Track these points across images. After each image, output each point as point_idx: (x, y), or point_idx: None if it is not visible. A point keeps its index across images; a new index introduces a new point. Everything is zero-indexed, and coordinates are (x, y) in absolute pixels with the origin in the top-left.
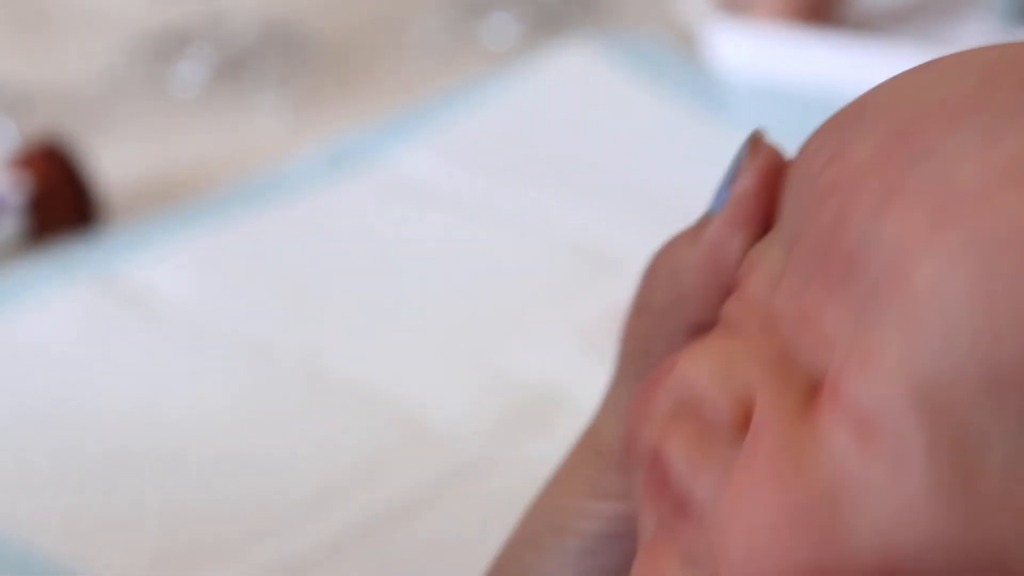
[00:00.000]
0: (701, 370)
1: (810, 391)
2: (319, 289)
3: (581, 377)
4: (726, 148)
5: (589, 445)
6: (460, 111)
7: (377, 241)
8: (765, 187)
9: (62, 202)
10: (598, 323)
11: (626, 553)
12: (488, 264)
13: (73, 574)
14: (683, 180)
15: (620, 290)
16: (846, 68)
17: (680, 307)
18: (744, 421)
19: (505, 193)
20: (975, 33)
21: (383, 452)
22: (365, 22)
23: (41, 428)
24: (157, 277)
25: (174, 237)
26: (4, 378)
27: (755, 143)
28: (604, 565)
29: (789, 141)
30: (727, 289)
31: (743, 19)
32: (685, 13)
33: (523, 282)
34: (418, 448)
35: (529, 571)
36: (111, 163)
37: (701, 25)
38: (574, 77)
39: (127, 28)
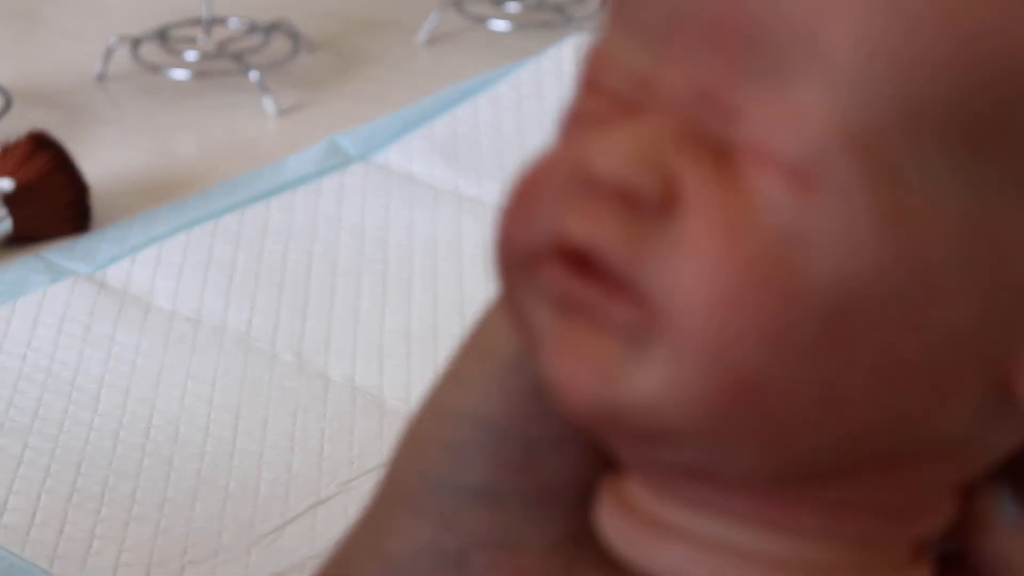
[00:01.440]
0: (610, 155)
1: (725, 160)
2: (315, 286)
3: None
4: None
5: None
6: (458, 109)
7: (372, 238)
8: None
9: (51, 200)
10: None
11: None
12: (486, 261)
13: None
14: None
15: None
16: None
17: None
18: (671, 197)
19: (503, 189)
20: None
21: (378, 450)
22: (361, 18)
23: (30, 429)
24: (148, 275)
25: (165, 236)
26: None
27: None
28: (527, 378)
29: None
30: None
31: None
32: None
33: None
34: None
35: (454, 406)
36: (102, 160)
37: None
38: (572, 72)
39: (119, 24)
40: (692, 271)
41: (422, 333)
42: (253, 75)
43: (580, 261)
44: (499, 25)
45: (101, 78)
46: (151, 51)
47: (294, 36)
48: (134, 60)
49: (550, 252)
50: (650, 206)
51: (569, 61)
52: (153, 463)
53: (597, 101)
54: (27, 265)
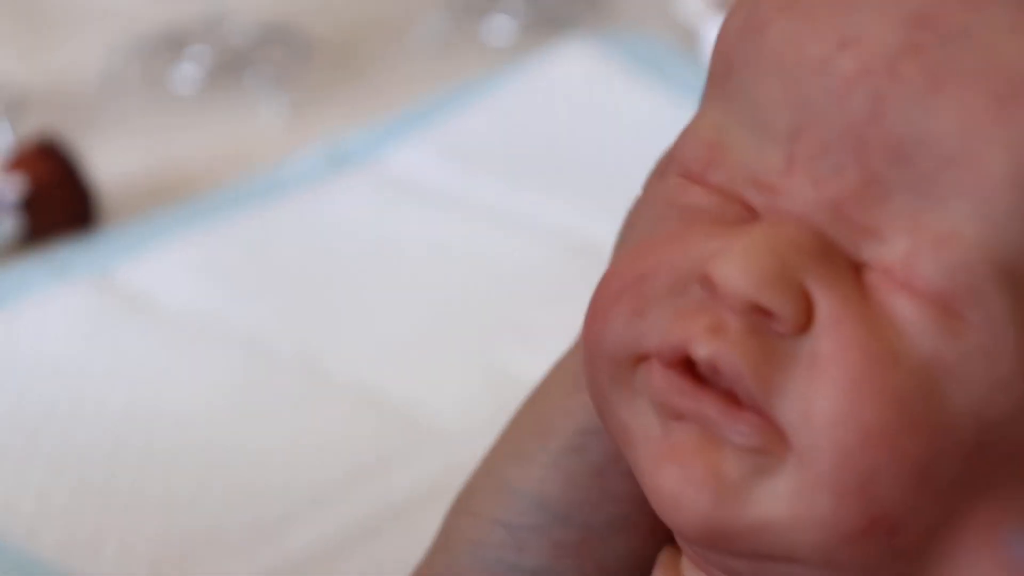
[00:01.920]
0: (741, 270)
1: (857, 278)
2: (317, 288)
3: None
4: None
5: (577, 344)
6: (459, 110)
7: (376, 240)
8: None
9: (59, 202)
10: None
11: (608, 447)
12: (487, 263)
13: (71, 574)
14: None
15: None
16: None
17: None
18: (805, 318)
19: (504, 192)
20: None
21: (381, 450)
22: (364, 21)
23: (38, 428)
24: (154, 277)
25: (171, 237)
26: (1, 378)
27: None
28: (590, 462)
29: None
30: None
31: None
32: (685, 12)
33: (522, 281)
34: (416, 446)
35: (513, 482)
36: (108, 163)
37: (701, 24)
38: (574, 76)
39: (125, 27)
40: (831, 401)
41: (424, 334)
42: (258, 78)
43: (691, 368)
44: (502, 28)
45: (108, 81)
46: (158, 54)
47: (299, 40)
48: (141, 63)
49: (658, 357)
50: (784, 325)
51: (574, 64)
52: (160, 460)
53: (707, 196)
54: (35, 266)
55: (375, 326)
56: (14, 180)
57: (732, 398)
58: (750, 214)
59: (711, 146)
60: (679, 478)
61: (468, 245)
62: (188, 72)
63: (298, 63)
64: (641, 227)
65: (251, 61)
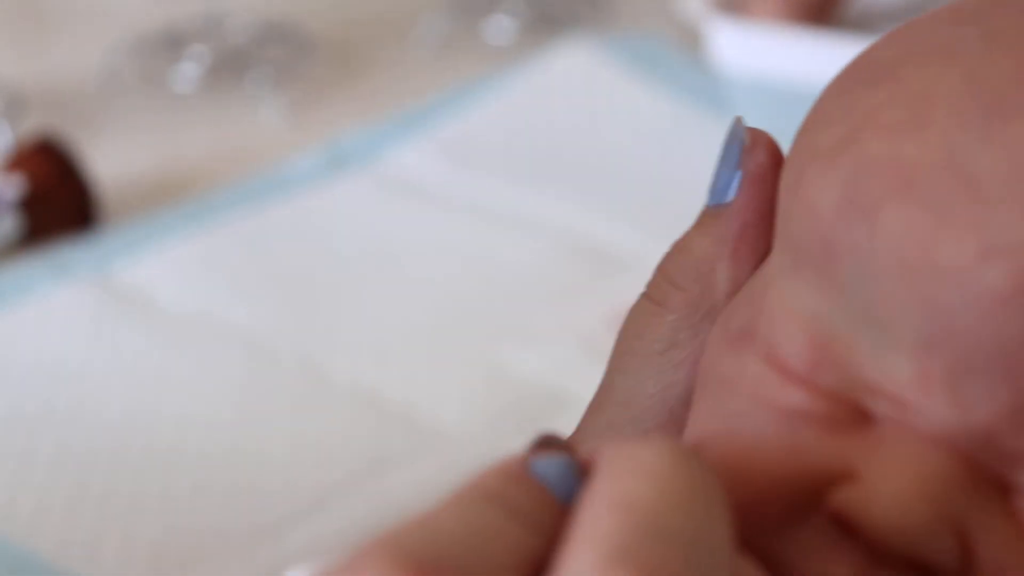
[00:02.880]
0: (893, 512)
1: (1006, 504)
2: (318, 288)
3: (581, 376)
4: None
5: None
6: (460, 110)
7: (377, 240)
8: (781, 163)
9: (59, 201)
10: (599, 322)
11: (702, 337)
12: (488, 263)
13: (71, 574)
14: (684, 179)
15: (620, 289)
16: None
17: (710, 303)
18: (968, 564)
19: (505, 192)
20: None
21: (382, 451)
22: (365, 20)
23: (39, 428)
24: (155, 276)
25: (171, 236)
26: (2, 377)
27: (752, 130)
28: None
29: (790, 140)
30: (750, 273)
31: (743, 18)
32: (686, 12)
33: (523, 281)
34: (417, 447)
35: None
36: (108, 162)
37: (702, 24)
38: (575, 76)
39: (125, 26)
40: None
41: (425, 335)
42: (258, 77)
43: None
44: (503, 28)
45: (108, 80)
46: (158, 53)
47: (300, 39)
48: (141, 62)
49: None
50: (945, 572)
51: (575, 64)
52: (160, 460)
53: (812, 400)
54: (35, 266)
55: (375, 326)
56: (14, 180)
57: None
58: (867, 420)
59: (816, 345)
60: None
61: (468, 245)
62: (188, 71)
63: (298, 62)
64: (717, 415)
65: (251, 60)
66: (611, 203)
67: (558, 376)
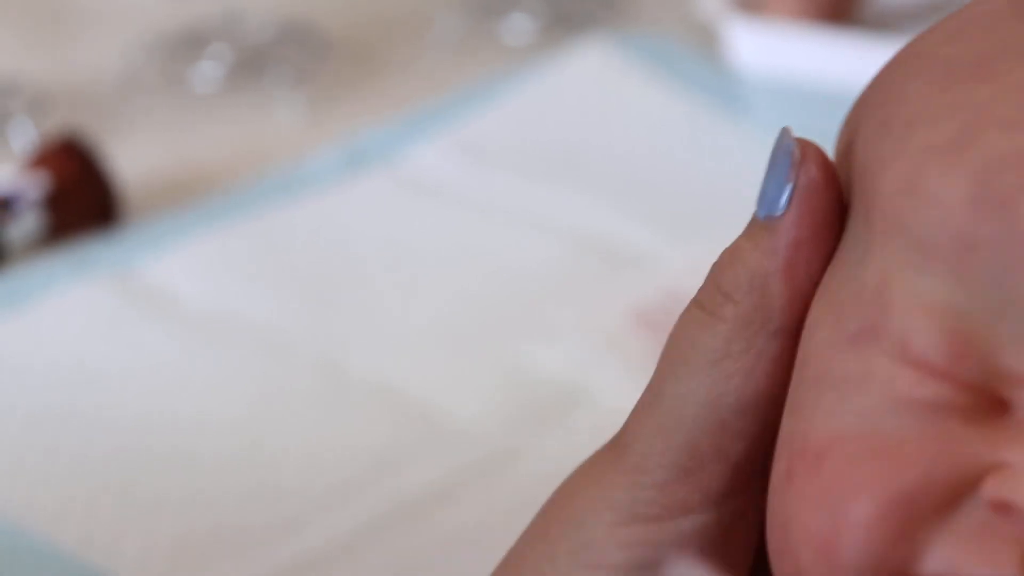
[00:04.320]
0: None
1: None
2: (336, 286)
3: (599, 374)
4: (744, 146)
5: (621, 462)
6: (477, 109)
7: (395, 238)
8: (833, 180)
9: (81, 199)
10: (616, 320)
11: (755, 350)
12: (505, 261)
13: (92, 569)
14: (701, 178)
15: (637, 287)
16: (865, 66)
17: (764, 316)
18: None
19: (523, 191)
20: None
21: (401, 447)
22: (382, 20)
23: (60, 424)
24: (175, 274)
25: (192, 234)
26: (23, 374)
27: (801, 141)
28: None
29: (810, 138)
30: (810, 289)
31: (761, 17)
32: (702, 11)
33: (540, 279)
34: (435, 443)
35: None
36: (129, 160)
37: (719, 23)
38: (592, 75)
39: (145, 26)
40: None
41: (442, 332)
42: (277, 76)
43: None
44: (520, 28)
45: (129, 79)
46: (178, 53)
47: (318, 38)
48: (161, 62)
49: None
50: None
51: (592, 64)
52: (180, 456)
53: (953, 392)
54: (57, 263)
55: (393, 324)
56: (36, 178)
57: None
58: (1005, 412)
59: (955, 334)
60: None
61: (485, 243)
62: (208, 71)
63: (317, 62)
64: (851, 413)
65: (270, 60)
66: (628, 202)
67: (575, 374)
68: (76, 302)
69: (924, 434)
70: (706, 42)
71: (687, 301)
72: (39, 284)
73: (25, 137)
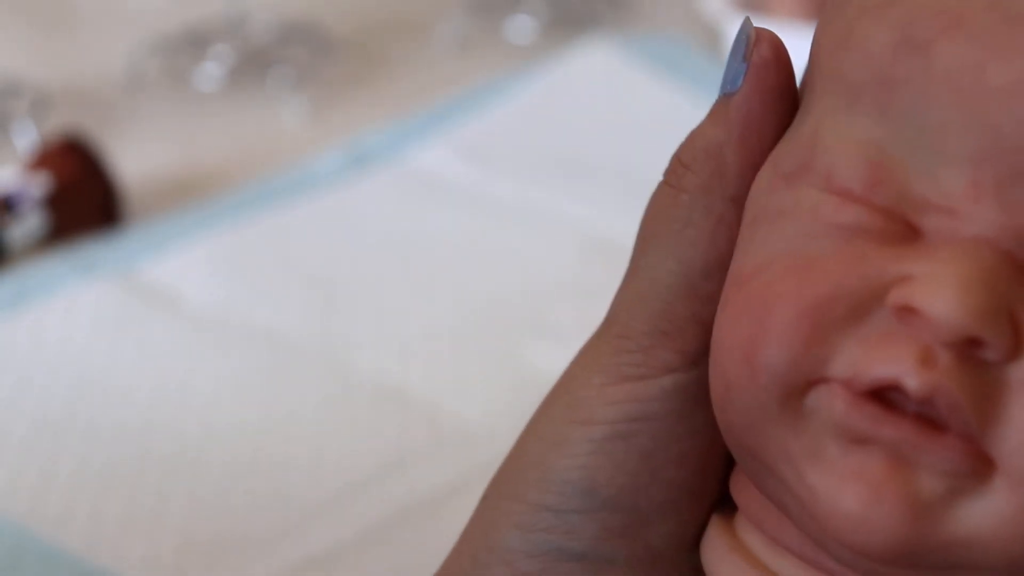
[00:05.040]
0: (951, 301)
1: None
2: (341, 286)
3: None
4: None
5: (607, 332)
6: (481, 109)
7: (399, 238)
8: (784, 60)
9: (83, 199)
10: None
11: (658, 434)
12: (510, 261)
13: (98, 571)
14: None
15: None
16: None
17: (720, 183)
18: (1018, 344)
19: (527, 190)
20: None
21: (407, 447)
22: (385, 21)
23: (64, 426)
24: (178, 274)
25: (195, 234)
26: (28, 375)
27: (758, 28)
28: (638, 447)
29: None
30: (762, 158)
31: (763, 16)
32: (706, 11)
33: (545, 279)
34: (442, 445)
35: (558, 470)
36: (132, 160)
37: (722, 23)
38: (595, 75)
39: (148, 27)
40: None
41: (447, 332)
42: (280, 77)
43: (876, 395)
44: (523, 28)
45: (132, 80)
46: (181, 53)
47: (321, 39)
48: (164, 62)
49: (848, 385)
50: (997, 356)
51: (595, 64)
52: (185, 457)
53: (869, 216)
54: (60, 264)
55: (397, 324)
56: (39, 178)
57: (927, 423)
58: (917, 234)
59: (873, 165)
60: (867, 500)
61: (490, 243)
62: (211, 71)
63: (320, 62)
64: (776, 238)
65: (273, 60)
66: (631, 201)
67: None
68: (79, 303)
69: (839, 252)
70: (709, 41)
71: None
72: (41, 284)
73: (28, 137)
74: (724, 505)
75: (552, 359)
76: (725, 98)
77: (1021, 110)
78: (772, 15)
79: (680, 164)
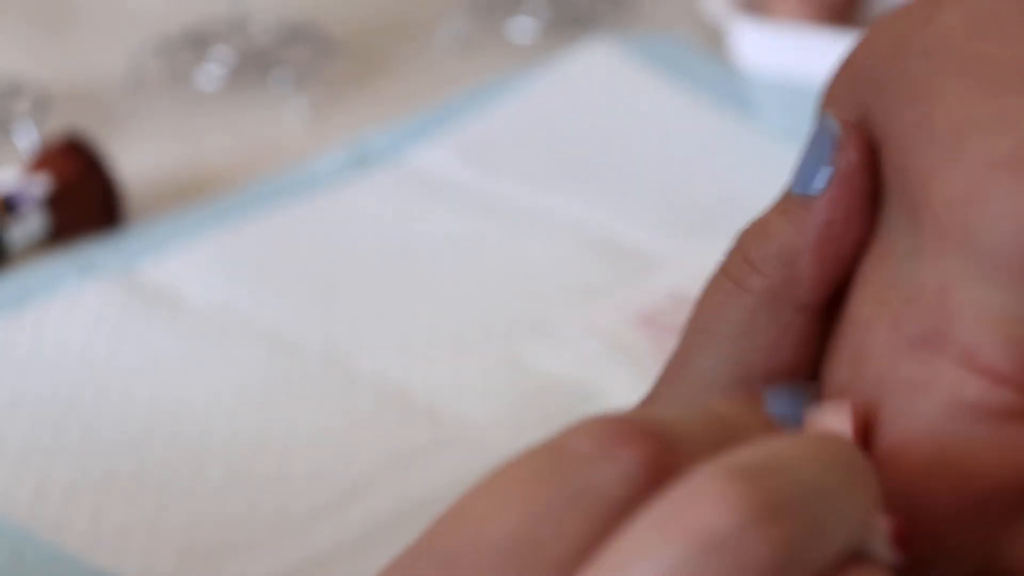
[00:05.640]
0: None
1: None
2: (341, 285)
3: (605, 374)
4: (750, 146)
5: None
6: (482, 110)
7: (400, 238)
8: (871, 167)
9: (84, 200)
10: (623, 321)
11: (781, 323)
12: (511, 261)
13: (98, 573)
14: (706, 178)
15: (643, 287)
16: None
17: (791, 291)
18: None
19: (528, 191)
20: None
21: (406, 446)
22: (387, 21)
23: (65, 426)
24: (179, 275)
25: (196, 234)
26: (28, 375)
27: (845, 123)
28: (761, 339)
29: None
30: (838, 269)
31: (765, 18)
32: (708, 12)
33: (545, 279)
34: (441, 442)
35: (689, 367)
36: (133, 161)
37: (724, 23)
38: (597, 75)
39: (149, 27)
40: None
41: (448, 331)
42: (282, 77)
43: None
44: (525, 28)
45: (133, 80)
46: (182, 53)
47: (322, 39)
48: (165, 62)
49: None
50: None
51: (597, 64)
52: (185, 455)
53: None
54: (61, 264)
55: (398, 323)
56: (40, 178)
57: None
58: None
59: (1021, 345)
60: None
61: (491, 243)
62: (212, 71)
63: (321, 62)
64: (917, 417)
65: (275, 60)
66: (633, 202)
67: (581, 373)
68: (80, 303)
69: (994, 440)
70: (711, 42)
71: (693, 302)
72: (42, 285)
73: (28, 138)
74: None
75: (552, 359)
76: (804, 199)
77: None
78: (772, 15)
79: (746, 262)
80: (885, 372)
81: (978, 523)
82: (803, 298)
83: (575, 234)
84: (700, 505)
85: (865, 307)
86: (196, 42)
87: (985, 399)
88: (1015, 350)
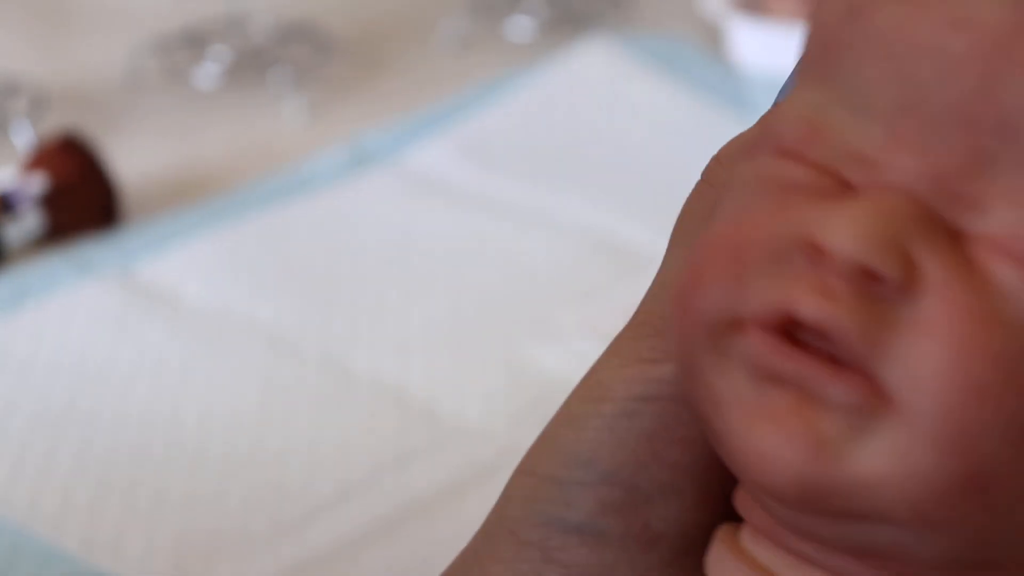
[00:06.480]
0: (849, 233)
1: (959, 246)
2: (339, 285)
3: None
4: None
5: (632, 319)
6: (481, 108)
7: (397, 238)
8: None
9: (82, 199)
10: (621, 320)
11: (663, 415)
12: (510, 260)
13: (95, 569)
14: None
15: (641, 286)
16: None
17: None
18: (911, 280)
19: (526, 190)
20: None
21: (404, 446)
22: (385, 20)
23: (63, 424)
24: (177, 273)
25: (194, 234)
26: (26, 374)
27: None
28: (642, 427)
29: None
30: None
31: (763, 17)
32: (706, 11)
33: (544, 278)
34: (440, 442)
35: (566, 443)
36: (131, 160)
37: (722, 22)
38: (596, 74)
39: (147, 26)
40: (937, 360)
41: (446, 331)
42: (280, 76)
43: (788, 333)
44: (523, 27)
45: (131, 79)
46: (180, 53)
47: (320, 38)
48: (163, 61)
49: (758, 321)
50: (890, 288)
51: (595, 63)
52: (183, 456)
53: (805, 171)
54: (59, 263)
55: (397, 323)
56: (37, 177)
57: (831, 359)
58: (848, 188)
59: (809, 124)
60: (775, 437)
61: (490, 242)
62: (210, 70)
63: (319, 62)
64: (732, 203)
65: (272, 59)
66: (632, 201)
67: (580, 372)
68: (77, 302)
69: (772, 203)
70: (709, 41)
71: None
72: (40, 284)
73: (26, 137)
74: (733, 519)
75: (551, 359)
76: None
77: (940, 61)
78: (772, 15)
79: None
80: (729, 181)
81: (737, 273)
82: None
83: (575, 234)
84: None
85: None
86: (194, 41)
87: (776, 174)
88: (806, 130)
